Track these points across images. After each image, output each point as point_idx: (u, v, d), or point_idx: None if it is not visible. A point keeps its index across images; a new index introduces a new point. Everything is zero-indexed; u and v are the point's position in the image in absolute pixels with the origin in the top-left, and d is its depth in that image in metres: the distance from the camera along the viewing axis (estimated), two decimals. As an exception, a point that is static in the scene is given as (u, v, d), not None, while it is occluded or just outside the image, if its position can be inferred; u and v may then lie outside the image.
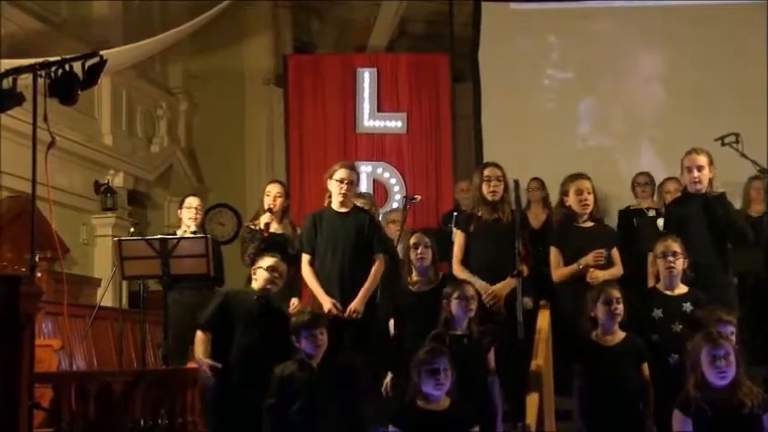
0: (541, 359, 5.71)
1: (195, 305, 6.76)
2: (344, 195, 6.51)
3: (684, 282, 5.96)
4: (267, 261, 6.02)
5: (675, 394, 5.03)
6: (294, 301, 7.06)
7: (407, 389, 5.08)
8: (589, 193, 6.57)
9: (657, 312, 5.81)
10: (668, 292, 5.93)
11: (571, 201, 6.62)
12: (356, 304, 6.24)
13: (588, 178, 6.66)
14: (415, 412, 4.99)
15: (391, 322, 6.21)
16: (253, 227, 7.26)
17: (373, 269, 6.41)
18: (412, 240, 6.22)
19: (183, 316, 7.28)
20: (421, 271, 6.18)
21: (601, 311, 5.60)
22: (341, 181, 6.50)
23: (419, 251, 6.16)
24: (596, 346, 5.60)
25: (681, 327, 5.72)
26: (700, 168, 6.48)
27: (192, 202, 7.71)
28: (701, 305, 5.78)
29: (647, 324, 5.79)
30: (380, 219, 8.06)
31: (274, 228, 7.12)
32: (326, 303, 6.25)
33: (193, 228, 7.59)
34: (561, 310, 6.42)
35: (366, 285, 6.34)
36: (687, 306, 5.82)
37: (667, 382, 5.45)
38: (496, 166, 6.63)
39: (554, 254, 6.56)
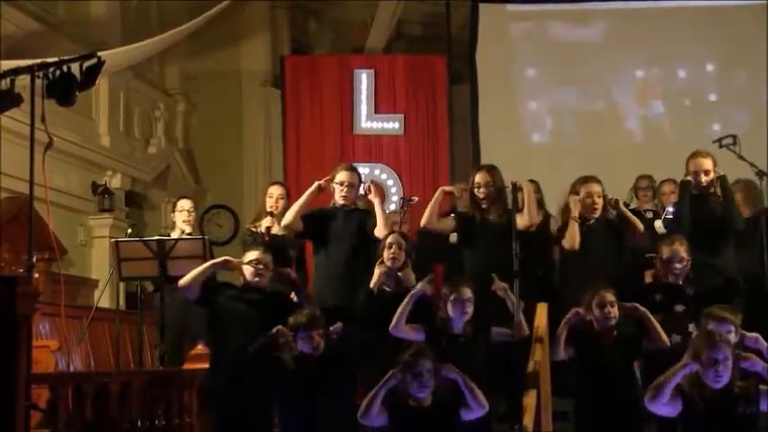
0: (539, 357, 5.74)
1: (192, 306, 6.74)
2: (345, 198, 6.61)
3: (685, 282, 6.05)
4: (250, 255, 5.97)
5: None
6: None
7: (398, 386, 5.10)
8: (599, 197, 6.67)
9: (658, 296, 5.91)
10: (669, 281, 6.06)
11: (580, 203, 6.70)
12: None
13: (598, 182, 6.74)
14: (404, 407, 5.06)
15: None
16: (254, 229, 7.26)
17: None
18: (388, 240, 6.20)
19: (181, 317, 7.28)
20: (390, 271, 6.17)
21: (595, 313, 5.64)
22: (340, 184, 6.60)
23: (392, 251, 6.14)
24: (593, 341, 5.64)
25: (683, 308, 5.79)
26: (706, 173, 6.57)
27: (183, 204, 7.71)
28: (701, 291, 5.91)
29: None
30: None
31: (276, 230, 7.13)
32: None
33: (188, 230, 7.58)
34: (562, 310, 6.45)
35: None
36: (688, 289, 5.95)
37: (666, 363, 5.48)
38: (488, 170, 6.63)
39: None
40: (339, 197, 6.61)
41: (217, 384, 5.83)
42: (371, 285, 6.10)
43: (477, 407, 5.07)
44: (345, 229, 6.58)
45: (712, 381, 4.78)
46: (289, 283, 6.08)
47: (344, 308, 6.23)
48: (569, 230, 6.56)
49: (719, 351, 4.78)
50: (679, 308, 5.85)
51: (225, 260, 6.00)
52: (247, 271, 5.92)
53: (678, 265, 5.98)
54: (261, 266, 5.90)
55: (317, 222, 6.60)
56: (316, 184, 6.62)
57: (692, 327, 5.70)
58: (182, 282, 5.88)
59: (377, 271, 6.13)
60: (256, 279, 5.90)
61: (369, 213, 6.73)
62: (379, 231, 6.49)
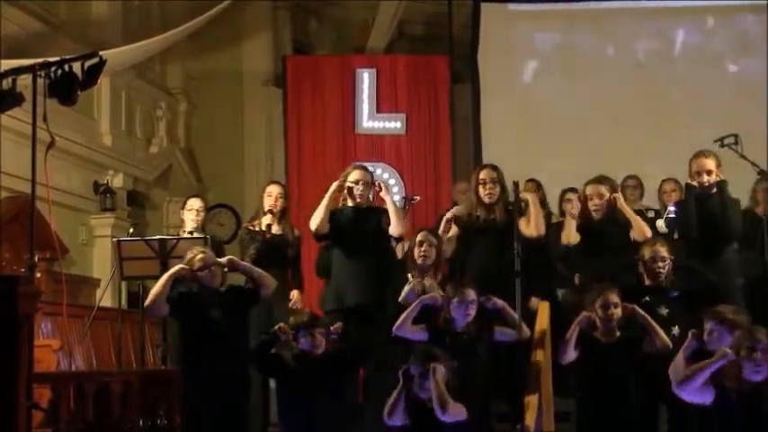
0: (541, 356, 5.73)
1: None
2: (360, 196, 6.61)
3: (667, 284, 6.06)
4: (194, 262, 5.76)
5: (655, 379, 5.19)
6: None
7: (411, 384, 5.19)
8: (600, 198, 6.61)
9: (644, 299, 5.89)
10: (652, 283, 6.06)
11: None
12: None
13: (599, 181, 6.69)
14: (420, 406, 5.16)
15: None
16: (252, 228, 7.23)
17: None
18: (418, 238, 6.22)
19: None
20: (421, 269, 6.18)
21: (598, 313, 5.63)
22: (356, 183, 6.60)
23: (423, 249, 6.16)
24: (596, 341, 5.64)
25: (667, 311, 5.82)
26: (709, 173, 6.52)
27: (193, 203, 7.69)
28: (685, 292, 5.92)
29: None
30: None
31: (274, 229, 7.12)
32: None
33: (192, 229, 7.57)
34: (562, 310, 6.45)
35: None
36: (672, 291, 5.96)
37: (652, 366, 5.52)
38: (493, 168, 6.65)
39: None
40: (354, 196, 6.60)
41: (193, 390, 5.73)
42: (400, 299, 6.06)
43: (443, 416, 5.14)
44: (362, 227, 6.57)
45: (751, 372, 4.80)
46: (241, 272, 5.97)
47: (366, 306, 6.27)
48: (566, 229, 6.54)
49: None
50: (663, 311, 5.85)
51: (180, 268, 5.75)
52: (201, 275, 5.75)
53: (660, 264, 5.98)
54: (205, 272, 5.74)
55: (338, 222, 6.60)
56: (336, 184, 6.58)
57: (675, 330, 5.72)
58: (147, 303, 5.71)
59: (408, 287, 6.09)
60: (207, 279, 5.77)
61: (383, 211, 6.74)
62: (394, 229, 6.54)
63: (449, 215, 6.66)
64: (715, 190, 6.54)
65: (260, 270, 5.90)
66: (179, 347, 6.63)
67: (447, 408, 5.11)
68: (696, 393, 4.85)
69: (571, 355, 5.60)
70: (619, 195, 6.61)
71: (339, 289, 6.57)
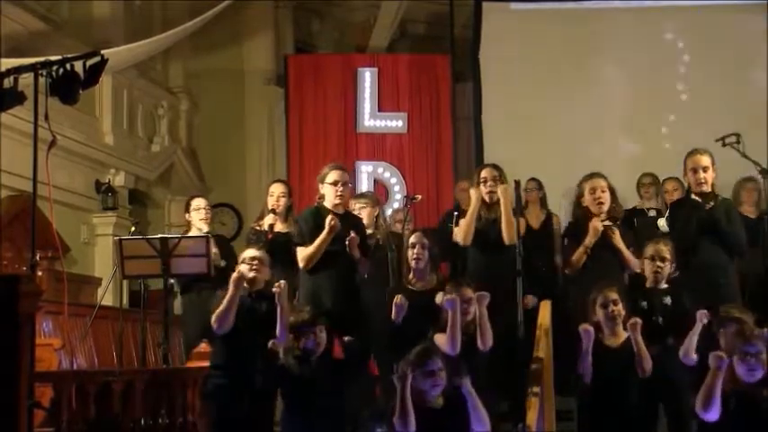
0: (542, 353, 5.72)
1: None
2: (341, 197, 6.42)
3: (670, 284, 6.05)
4: (248, 252, 5.94)
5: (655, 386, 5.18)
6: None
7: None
8: (603, 191, 6.50)
9: (643, 304, 5.88)
10: (651, 286, 6.02)
11: (587, 200, 6.52)
12: None
13: (603, 176, 6.58)
14: (418, 408, 5.01)
15: None
16: (258, 228, 7.24)
17: None
18: (411, 239, 6.19)
19: (202, 319, 7.21)
20: (416, 272, 6.14)
21: (600, 314, 5.63)
22: (334, 184, 6.40)
23: (416, 251, 6.12)
24: (601, 346, 5.62)
25: (661, 319, 5.80)
26: (705, 169, 6.48)
27: (199, 203, 7.72)
28: (680, 299, 5.87)
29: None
30: (387, 217, 8.09)
31: (279, 227, 7.11)
32: None
33: (206, 228, 7.58)
34: (564, 309, 6.44)
35: None
36: (667, 300, 5.92)
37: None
38: (494, 167, 6.66)
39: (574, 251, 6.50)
40: (334, 198, 6.38)
41: (223, 386, 5.79)
42: (393, 317, 5.87)
43: (479, 426, 5.05)
44: (340, 232, 6.30)
45: (746, 374, 4.82)
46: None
47: (340, 311, 6.16)
48: (576, 255, 6.40)
49: (752, 345, 4.82)
50: (657, 320, 5.83)
51: (240, 277, 5.76)
52: (244, 269, 5.82)
53: (660, 264, 5.96)
54: (256, 262, 5.85)
55: (317, 224, 6.41)
56: (329, 225, 6.22)
57: (670, 341, 5.70)
58: (218, 322, 5.67)
59: (395, 302, 5.86)
60: (252, 274, 5.82)
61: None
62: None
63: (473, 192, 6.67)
64: (710, 193, 6.49)
65: (285, 321, 5.72)
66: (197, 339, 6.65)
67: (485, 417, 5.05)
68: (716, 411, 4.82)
69: (590, 375, 5.55)
70: (615, 230, 6.45)
71: (314, 292, 6.40)
